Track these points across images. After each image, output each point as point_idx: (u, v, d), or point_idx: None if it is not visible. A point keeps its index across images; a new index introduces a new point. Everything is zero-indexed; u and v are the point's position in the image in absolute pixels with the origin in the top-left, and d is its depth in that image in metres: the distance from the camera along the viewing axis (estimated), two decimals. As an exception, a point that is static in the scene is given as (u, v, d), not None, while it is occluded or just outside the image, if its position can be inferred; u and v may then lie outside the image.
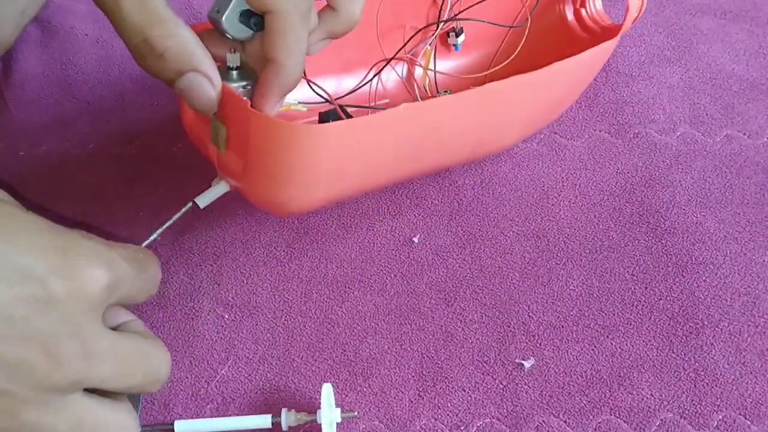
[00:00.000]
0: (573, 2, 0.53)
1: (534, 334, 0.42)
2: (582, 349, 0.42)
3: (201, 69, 0.33)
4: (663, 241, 0.45)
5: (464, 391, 0.40)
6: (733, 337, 0.42)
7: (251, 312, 0.43)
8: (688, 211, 0.47)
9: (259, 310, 0.43)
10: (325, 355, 0.42)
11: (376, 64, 0.49)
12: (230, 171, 0.38)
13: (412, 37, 0.50)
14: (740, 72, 0.54)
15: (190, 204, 0.39)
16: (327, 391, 0.38)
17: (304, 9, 0.34)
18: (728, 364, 0.41)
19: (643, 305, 0.43)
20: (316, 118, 0.44)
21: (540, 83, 0.42)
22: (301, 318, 0.43)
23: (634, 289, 0.44)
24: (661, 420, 0.39)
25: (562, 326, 0.42)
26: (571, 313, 0.43)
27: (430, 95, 0.50)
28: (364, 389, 0.40)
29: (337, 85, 0.49)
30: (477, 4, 0.49)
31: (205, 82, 0.34)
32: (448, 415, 0.40)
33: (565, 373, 0.41)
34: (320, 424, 0.38)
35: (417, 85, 0.51)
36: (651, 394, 0.40)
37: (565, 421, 0.39)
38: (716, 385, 0.40)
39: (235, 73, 0.36)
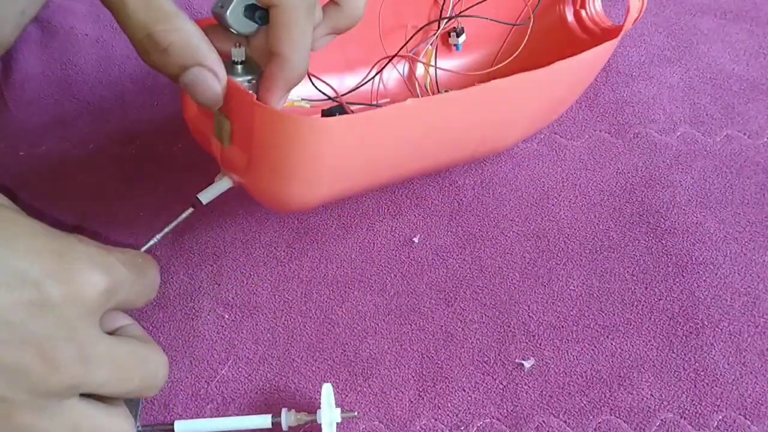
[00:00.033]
0: (573, 3, 0.53)
1: (534, 334, 0.42)
2: (582, 349, 0.42)
3: (206, 63, 0.33)
4: (663, 241, 0.45)
5: (464, 391, 0.40)
6: (733, 337, 0.42)
7: (251, 312, 0.43)
8: (688, 211, 0.47)
9: (259, 310, 0.43)
10: (325, 355, 0.42)
11: (378, 62, 0.49)
12: (234, 166, 0.38)
13: (413, 35, 0.50)
14: (740, 72, 0.54)
15: (191, 210, 0.39)
16: (327, 391, 0.38)
17: (309, 3, 0.34)
18: (728, 364, 0.41)
19: (643, 305, 0.43)
20: (319, 115, 0.44)
21: (543, 81, 0.42)
22: (301, 318, 0.43)
23: (634, 289, 0.44)
24: (661, 420, 0.39)
25: (562, 326, 0.42)
26: (571, 313, 0.43)
27: (431, 95, 0.50)
28: (364, 389, 0.40)
29: (339, 83, 0.49)
30: (478, 3, 0.49)
31: (210, 76, 0.33)
32: (448, 415, 0.40)
33: (565, 373, 0.41)
34: (320, 424, 0.38)
35: (418, 83, 0.51)
36: (651, 394, 0.40)
37: (565, 421, 0.39)
38: (716, 385, 0.40)
39: (239, 67, 0.36)
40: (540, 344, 0.42)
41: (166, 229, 0.39)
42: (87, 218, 0.46)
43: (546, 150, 0.50)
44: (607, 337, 0.42)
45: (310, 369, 0.41)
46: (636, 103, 0.52)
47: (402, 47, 0.49)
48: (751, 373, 0.41)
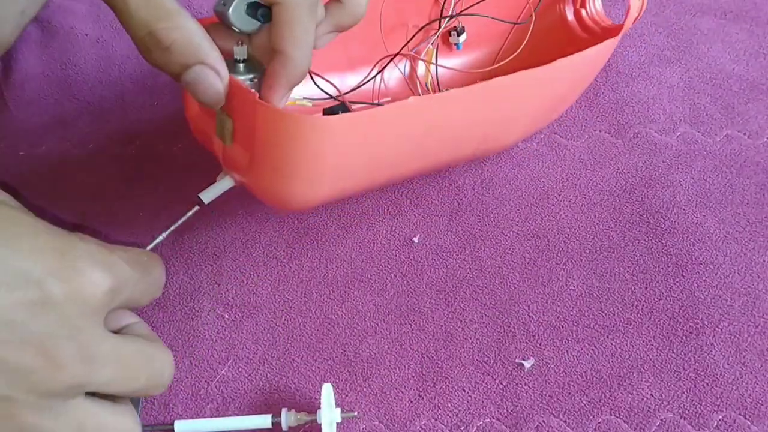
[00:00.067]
0: (573, 2, 0.53)
1: (534, 334, 0.42)
2: (582, 349, 0.42)
3: (208, 61, 0.33)
4: (663, 241, 0.45)
5: (464, 391, 0.40)
6: (733, 337, 0.42)
7: (251, 312, 0.43)
8: (688, 211, 0.47)
9: (259, 310, 0.43)
10: (325, 355, 0.42)
11: (379, 61, 0.49)
12: (235, 165, 0.38)
13: (415, 34, 0.50)
14: (740, 72, 0.54)
15: (196, 208, 0.39)
16: (327, 391, 0.38)
17: (312, 1, 0.34)
18: (728, 364, 0.41)
19: (643, 305, 0.43)
20: (321, 114, 0.44)
21: (545, 79, 0.42)
22: (301, 318, 0.43)
23: (634, 289, 0.44)
24: (661, 420, 0.39)
25: (562, 326, 0.42)
26: (571, 313, 0.43)
27: (432, 93, 0.50)
28: (364, 389, 0.40)
29: (340, 82, 0.49)
30: (478, 2, 0.49)
31: (212, 74, 0.33)
32: (448, 415, 0.40)
33: (565, 373, 0.41)
34: (320, 424, 0.38)
35: (419, 82, 0.51)
36: (651, 394, 0.40)
37: (565, 421, 0.39)
38: (716, 385, 0.40)
39: (242, 65, 0.36)
40: (540, 344, 0.42)
41: (172, 228, 0.39)
42: (87, 218, 0.46)
43: (546, 150, 0.50)
44: (607, 337, 0.42)
45: (310, 369, 0.41)
46: (636, 103, 0.52)
47: (404, 46, 0.49)
48: (751, 373, 0.41)
